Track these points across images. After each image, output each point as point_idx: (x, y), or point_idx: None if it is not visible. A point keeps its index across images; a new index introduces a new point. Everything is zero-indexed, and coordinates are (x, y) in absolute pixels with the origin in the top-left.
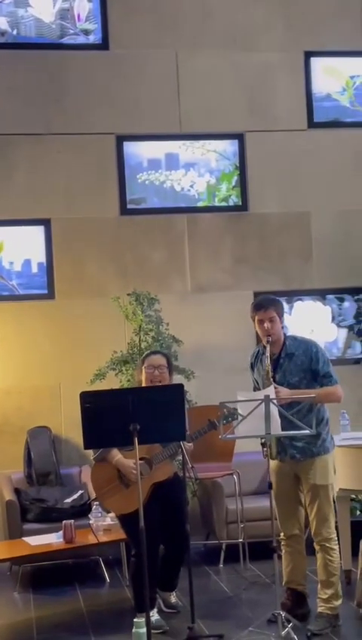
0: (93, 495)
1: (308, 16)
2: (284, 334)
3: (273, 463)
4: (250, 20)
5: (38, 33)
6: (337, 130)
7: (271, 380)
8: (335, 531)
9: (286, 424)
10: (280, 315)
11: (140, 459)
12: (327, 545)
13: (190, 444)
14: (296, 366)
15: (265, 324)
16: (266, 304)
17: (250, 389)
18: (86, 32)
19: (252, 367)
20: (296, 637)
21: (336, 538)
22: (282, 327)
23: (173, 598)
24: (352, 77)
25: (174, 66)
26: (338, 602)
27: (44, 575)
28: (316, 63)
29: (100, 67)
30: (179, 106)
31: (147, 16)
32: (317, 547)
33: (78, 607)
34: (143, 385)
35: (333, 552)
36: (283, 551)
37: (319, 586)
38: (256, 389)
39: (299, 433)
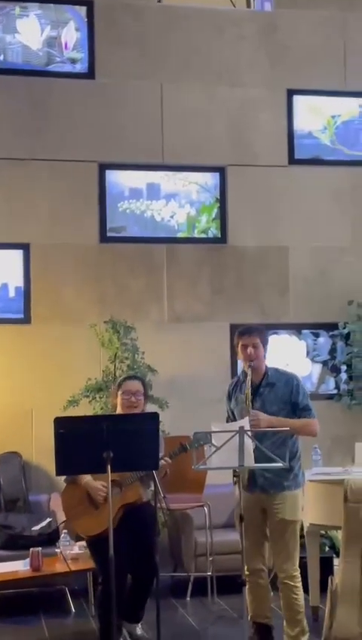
0: (63, 519)
1: (293, 55)
2: (266, 365)
3: (237, 496)
4: (235, 56)
5: (25, 60)
6: (317, 168)
7: (251, 405)
8: (298, 569)
9: (260, 455)
10: (264, 343)
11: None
12: (291, 583)
13: (168, 461)
14: (276, 396)
15: (248, 350)
16: (251, 330)
17: (223, 420)
18: (73, 61)
19: (229, 396)
20: None
21: (300, 575)
22: (264, 358)
23: (138, 630)
24: (333, 116)
25: (159, 97)
26: (305, 638)
27: (8, 603)
28: (298, 101)
29: (85, 95)
30: (163, 137)
31: (134, 48)
32: (280, 585)
33: (42, 636)
34: (118, 410)
35: (297, 590)
36: (247, 585)
37: (285, 623)
38: (230, 419)
39: (273, 466)
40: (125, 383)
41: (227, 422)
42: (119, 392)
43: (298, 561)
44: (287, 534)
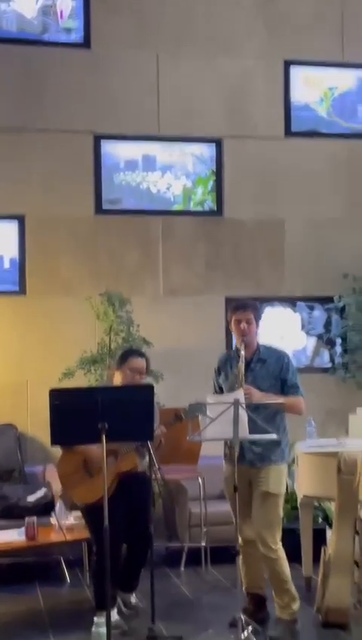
0: (58, 493)
1: (290, 26)
2: (257, 342)
3: (229, 468)
4: (232, 26)
5: (20, 28)
6: (313, 140)
7: (243, 381)
8: (279, 542)
9: (253, 428)
10: (257, 319)
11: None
12: (271, 556)
13: (164, 430)
14: (267, 372)
15: (242, 325)
16: (246, 306)
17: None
18: (68, 30)
19: (218, 371)
20: None
21: (281, 547)
22: (256, 334)
23: (133, 599)
24: (331, 88)
25: (155, 67)
26: (296, 606)
27: (4, 573)
28: (295, 72)
29: (81, 65)
30: (159, 108)
31: (130, 17)
32: (262, 559)
33: (37, 605)
34: (118, 383)
35: (280, 561)
36: (241, 556)
37: (274, 594)
38: (216, 394)
39: (265, 437)
40: (132, 359)
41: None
42: (124, 366)
43: (279, 535)
44: (268, 505)
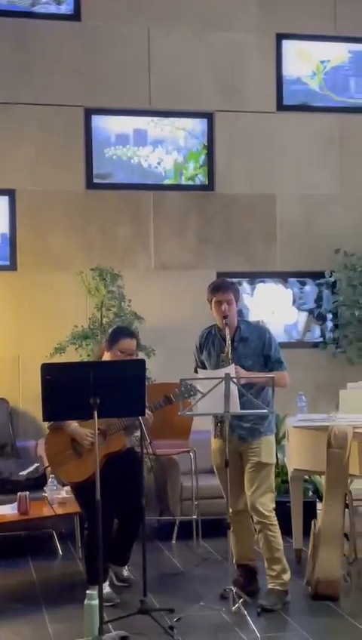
0: (47, 463)
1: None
2: (238, 319)
3: (218, 443)
4: (224, 0)
5: (10, 1)
6: (306, 114)
7: (231, 361)
8: (273, 510)
9: (241, 404)
10: (237, 299)
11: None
12: (267, 522)
13: (150, 414)
14: (250, 350)
15: (223, 306)
16: (225, 286)
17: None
18: (58, 2)
19: (200, 347)
20: (246, 612)
21: (275, 515)
22: (237, 313)
23: (125, 572)
24: (322, 62)
25: (146, 41)
26: (287, 576)
27: None
28: (287, 45)
29: (71, 39)
30: (150, 82)
31: None
32: (257, 526)
33: (30, 579)
34: None
35: (274, 528)
36: (232, 528)
37: (266, 563)
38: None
39: (257, 412)
40: (123, 340)
41: (195, 372)
42: (114, 348)
43: (273, 503)
44: (263, 473)
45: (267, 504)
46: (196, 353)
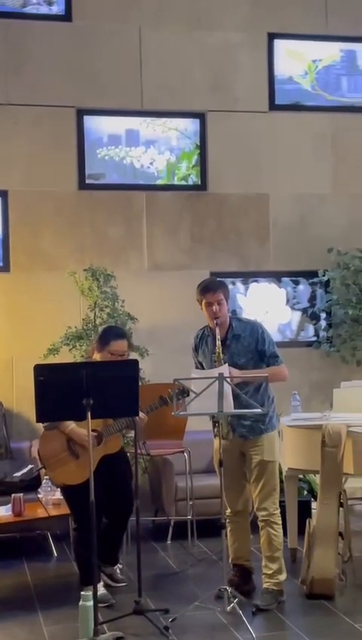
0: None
1: None
2: (229, 317)
3: (218, 442)
4: None
5: (0, 1)
6: (297, 114)
7: (223, 361)
8: (279, 507)
9: (238, 403)
10: (227, 298)
11: (92, 431)
12: (271, 520)
13: (144, 415)
14: (243, 347)
15: (214, 307)
16: (215, 287)
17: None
18: (49, 3)
19: (196, 348)
20: (241, 612)
21: (280, 514)
22: (228, 311)
23: (117, 572)
24: (314, 61)
25: (137, 41)
26: (283, 577)
27: None
28: (279, 45)
29: (62, 39)
30: (141, 83)
31: None
32: (261, 523)
33: (24, 580)
34: None
35: (277, 527)
36: (229, 528)
37: (263, 561)
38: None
39: (251, 412)
40: (114, 342)
41: None
42: (105, 349)
43: (278, 500)
44: (267, 473)
45: (273, 504)
46: (193, 354)
